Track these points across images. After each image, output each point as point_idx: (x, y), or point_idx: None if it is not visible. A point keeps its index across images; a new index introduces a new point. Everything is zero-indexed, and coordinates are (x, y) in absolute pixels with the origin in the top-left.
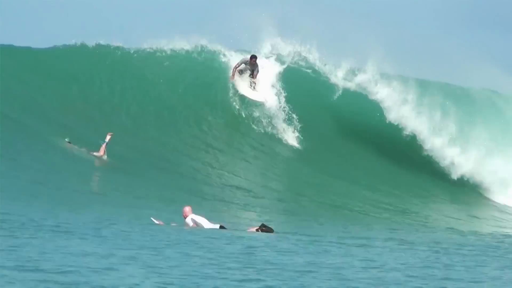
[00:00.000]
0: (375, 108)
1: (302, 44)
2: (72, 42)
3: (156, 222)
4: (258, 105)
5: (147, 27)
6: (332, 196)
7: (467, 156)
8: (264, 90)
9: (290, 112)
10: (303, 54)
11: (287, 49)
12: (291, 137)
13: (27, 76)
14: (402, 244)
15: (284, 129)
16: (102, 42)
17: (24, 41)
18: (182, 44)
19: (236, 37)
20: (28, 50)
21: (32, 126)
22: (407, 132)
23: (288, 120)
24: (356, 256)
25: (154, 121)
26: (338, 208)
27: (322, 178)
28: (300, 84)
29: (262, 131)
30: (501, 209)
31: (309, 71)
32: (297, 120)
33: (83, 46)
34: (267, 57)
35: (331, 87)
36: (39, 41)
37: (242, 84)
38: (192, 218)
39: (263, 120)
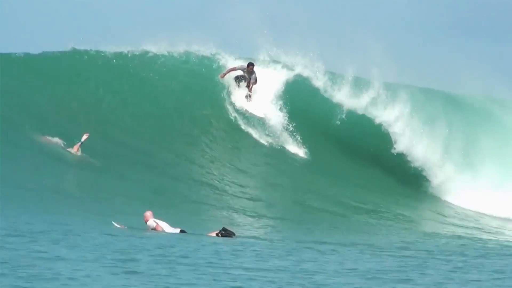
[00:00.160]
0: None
1: (299, 51)
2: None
3: (118, 226)
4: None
5: (142, 29)
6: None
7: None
8: (263, 104)
9: (290, 123)
10: (302, 62)
11: (285, 57)
12: (289, 143)
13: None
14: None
15: (282, 137)
16: (95, 46)
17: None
18: (180, 47)
19: (234, 43)
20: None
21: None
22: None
23: (288, 131)
24: (331, 261)
25: (152, 127)
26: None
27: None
28: (298, 92)
29: (258, 136)
30: (460, 211)
31: (307, 79)
32: (296, 129)
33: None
34: (265, 65)
35: (329, 96)
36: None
37: (240, 97)
38: (153, 221)
39: (261, 129)
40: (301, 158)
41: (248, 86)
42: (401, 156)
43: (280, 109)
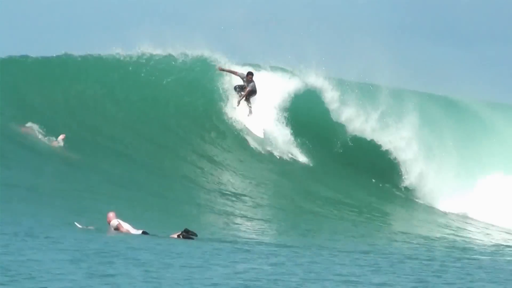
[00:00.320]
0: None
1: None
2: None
3: (80, 226)
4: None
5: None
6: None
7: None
8: (264, 116)
9: (291, 135)
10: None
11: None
12: (293, 153)
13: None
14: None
15: (283, 148)
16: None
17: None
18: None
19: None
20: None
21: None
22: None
23: (290, 143)
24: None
25: (152, 131)
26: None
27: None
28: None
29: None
30: (442, 215)
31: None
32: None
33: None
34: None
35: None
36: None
37: (242, 112)
38: (116, 221)
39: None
40: (301, 164)
41: (247, 99)
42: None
43: (281, 122)
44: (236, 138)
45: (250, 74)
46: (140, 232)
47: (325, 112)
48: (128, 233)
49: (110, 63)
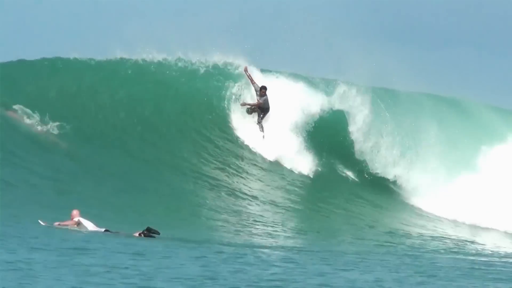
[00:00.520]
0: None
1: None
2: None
3: (43, 223)
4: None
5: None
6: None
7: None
8: (275, 138)
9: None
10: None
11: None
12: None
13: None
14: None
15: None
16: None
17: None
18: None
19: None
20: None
21: None
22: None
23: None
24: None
25: (154, 135)
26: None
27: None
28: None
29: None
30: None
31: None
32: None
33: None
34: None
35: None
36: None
37: (252, 131)
38: (77, 220)
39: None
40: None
41: (260, 114)
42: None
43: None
44: (242, 145)
45: (264, 88)
46: (102, 230)
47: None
48: (91, 231)
49: (110, 66)
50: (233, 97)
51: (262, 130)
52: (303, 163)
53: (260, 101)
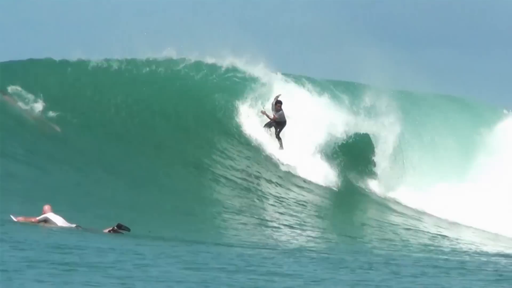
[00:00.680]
0: None
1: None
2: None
3: (15, 219)
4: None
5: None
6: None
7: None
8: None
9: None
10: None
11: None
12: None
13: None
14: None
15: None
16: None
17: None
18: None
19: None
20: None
21: None
22: None
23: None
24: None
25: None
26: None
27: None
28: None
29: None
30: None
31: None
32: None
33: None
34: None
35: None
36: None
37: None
38: (49, 215)
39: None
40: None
41: (277, 128)
42: None
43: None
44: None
45: (279, 102)
46: (73, 226)
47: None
48: (61, 227)
49: (121, 64)
50: (250, 101)
51: (281, 144)
52: (321, 171)
53: (276, 116)
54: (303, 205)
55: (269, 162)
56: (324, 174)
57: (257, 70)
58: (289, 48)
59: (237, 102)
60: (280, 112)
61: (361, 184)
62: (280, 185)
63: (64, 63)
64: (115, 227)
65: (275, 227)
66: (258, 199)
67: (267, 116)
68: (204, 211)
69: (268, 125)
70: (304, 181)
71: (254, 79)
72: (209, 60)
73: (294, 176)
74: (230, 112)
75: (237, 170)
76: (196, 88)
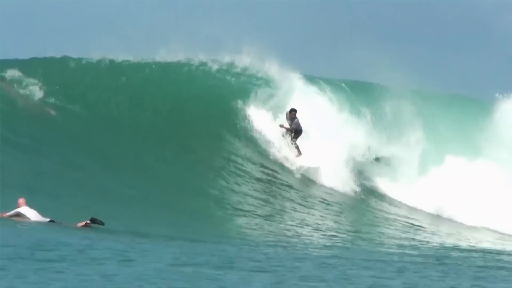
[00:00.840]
0: None
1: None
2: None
3: None
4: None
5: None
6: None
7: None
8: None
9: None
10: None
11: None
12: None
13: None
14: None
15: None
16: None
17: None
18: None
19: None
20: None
21: None
22: None
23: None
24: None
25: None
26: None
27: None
28: None
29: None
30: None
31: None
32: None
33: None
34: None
35: None
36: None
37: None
38: (22, 209)
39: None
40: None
41: (291, 137)
42: None
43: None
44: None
45: (293, 111)
46: (47, 220)
47: None
48: (35, 221)
49: (136, 65)
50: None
51: (298, 151)
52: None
53: (293, 125)
54: (326, 205)
55: (284, 167)
56: (343, 179)
57: (271, 69)
58: (299, 46)
59: (248, 102)
60: (296, 120)
61: (381, 190)
62: (297, 190)
63: (66, 59)
64: (89, 222)
65: (295, 229)
66: (275, 201)
67: (284, 127)
68: (218, 212)
69: (285, 133)
70: (323, 185)
71: (267, 80)
72: (226, 59)
73: (311, 180)
74: (242, 113)
75: (251, 170)
76: (206, 88)
